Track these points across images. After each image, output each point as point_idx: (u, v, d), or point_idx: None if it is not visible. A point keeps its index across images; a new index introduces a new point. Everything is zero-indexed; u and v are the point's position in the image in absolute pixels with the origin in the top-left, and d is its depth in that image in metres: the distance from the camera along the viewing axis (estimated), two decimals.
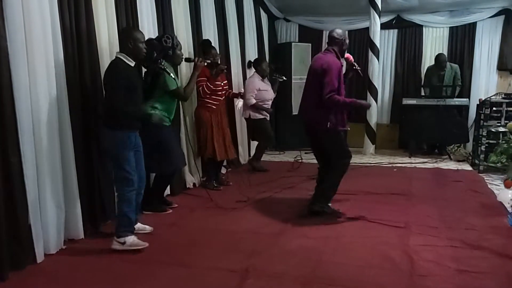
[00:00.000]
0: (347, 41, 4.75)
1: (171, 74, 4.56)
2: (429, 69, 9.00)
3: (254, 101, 6.76)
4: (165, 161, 4.78)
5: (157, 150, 4.70)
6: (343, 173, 4.77)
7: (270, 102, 7.01)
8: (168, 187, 5.34)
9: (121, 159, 3.82)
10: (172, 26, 5.63)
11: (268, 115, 7.02)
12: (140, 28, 4.84)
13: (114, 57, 3.91)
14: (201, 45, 5.90)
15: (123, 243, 3.77)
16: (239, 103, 6.79)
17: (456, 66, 8.79)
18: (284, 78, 7.12)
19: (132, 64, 3.90)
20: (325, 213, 4.67)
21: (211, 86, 5.57)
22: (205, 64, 5.16)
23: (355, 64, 4.83)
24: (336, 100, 4.48)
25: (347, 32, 4.84)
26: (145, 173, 4.23)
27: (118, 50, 3.97)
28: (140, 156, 4.08)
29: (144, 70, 4.72)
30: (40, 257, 3.50)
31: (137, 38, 3.88)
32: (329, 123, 4.56)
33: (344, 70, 4.79)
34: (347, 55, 4.86)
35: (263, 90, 6.84)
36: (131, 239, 3.81)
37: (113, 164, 3.95)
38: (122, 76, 3.75)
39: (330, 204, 4.79)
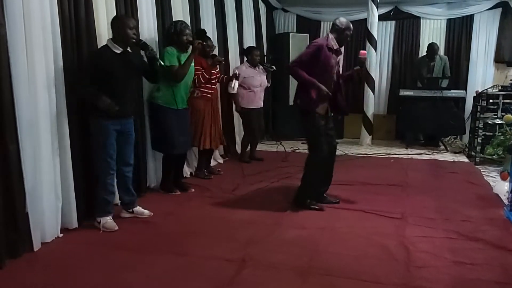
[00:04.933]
0: (348, 31, 4.54)
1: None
2: (419, 60, 9.03)
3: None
4: (165, 143, 4.99)
5: (160, 131, 4.96)
6: (315, 169, 4.64)
7: (258, 89, 6.91)
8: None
9: (100, 146, 3.95)
10: (170, 15, 5.60)
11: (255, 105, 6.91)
12: (138, 17, 4.86)
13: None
14: (196, 34, 5.88)
15: (99, 223, 4.03)
16: (235, 84, 6.59)
17: (445, 57, 8.83)
18: (274, 68, 7.01)
19: (119, 51, 3.96)
20: (305, 207, 4.64)
21: (207, 76, 5.59)
22: (201, 46, 5.04)
23: (364, 62, 4.67)
24: (295, 71, 4.43)
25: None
26: (132, 157, 4.28)
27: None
28: (127, 140, 4.17)
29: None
30: (37, 245, 3.50)
31: (126, 23, 3.95)
32: (299, 100, 4.55)
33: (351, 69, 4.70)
34: (362, 52, 4.72)
35: (249, 77, 6.78)
36: (104, 220, 4.04)
37: (93, 149, 4.05)
38: (97, 62, 3.84)
39: (313, 202, 4.69)
